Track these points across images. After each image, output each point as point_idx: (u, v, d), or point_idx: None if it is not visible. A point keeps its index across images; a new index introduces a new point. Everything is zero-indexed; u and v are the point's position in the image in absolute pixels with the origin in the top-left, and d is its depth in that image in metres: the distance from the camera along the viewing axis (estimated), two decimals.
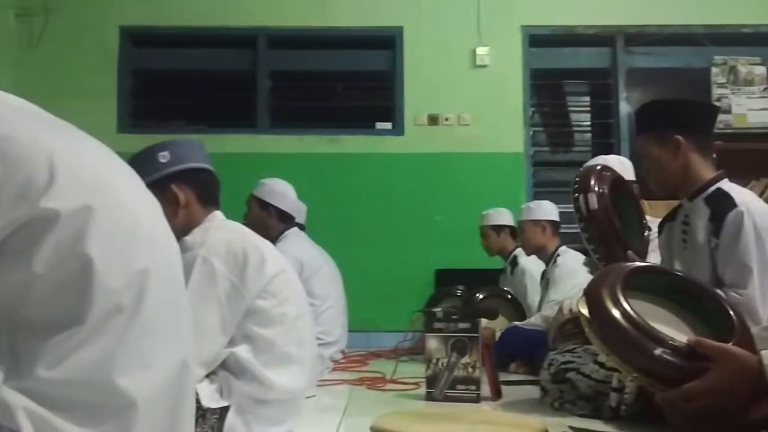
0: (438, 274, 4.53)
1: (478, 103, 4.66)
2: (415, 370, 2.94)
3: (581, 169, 2.25)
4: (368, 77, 4.86)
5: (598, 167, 2.20)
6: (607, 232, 2.01)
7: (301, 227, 3.45)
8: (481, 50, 4.67)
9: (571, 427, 1.65)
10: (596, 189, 2.05)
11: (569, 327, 2.28)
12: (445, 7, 4.74)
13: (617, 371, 1.75)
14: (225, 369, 1.62)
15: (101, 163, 0.94)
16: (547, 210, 3.48)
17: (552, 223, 3.45)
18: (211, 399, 1.57)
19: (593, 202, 2.01)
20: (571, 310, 2.33)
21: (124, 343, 0.85)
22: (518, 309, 3.56)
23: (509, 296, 3.65)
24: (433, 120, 4.67)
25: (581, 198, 2.04)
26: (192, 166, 1.76)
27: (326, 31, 4.74)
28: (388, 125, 4.76)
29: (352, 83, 4.87)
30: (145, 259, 0.91)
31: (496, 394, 2.30)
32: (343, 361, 3.41)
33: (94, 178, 0.88)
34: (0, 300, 0.80)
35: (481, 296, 3.52)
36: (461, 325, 2.27)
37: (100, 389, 0.83)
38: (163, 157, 1.70)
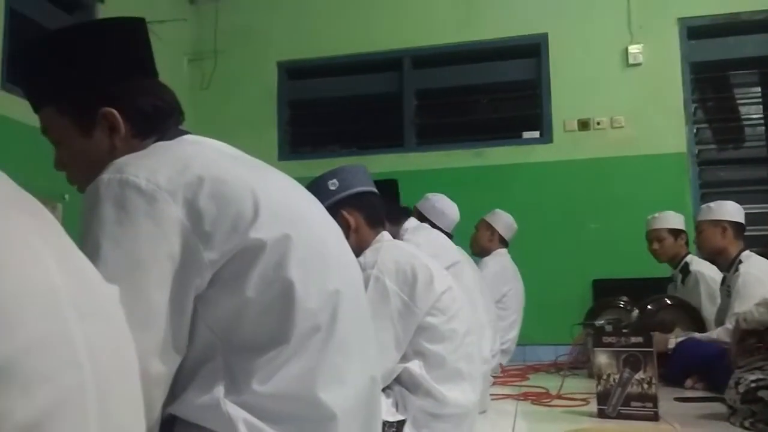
0: (596, 284, 4.35)
1: (633, 104, 4.44)
2: (580, 385, 2.85)
3: None
4: (513, 87, 4.81)
5: None
6: None
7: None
8: (633, 48, 4.46)
9: None
10: None
11: (752, 341, 2.09)
12: (591, 8, 4.58)
13: None
14: (399, 384, 1.69)
15: (293, 195, 1.04)
16: (730, 210, 3.18)
17: (734, 224, 3.14)
18: (388, 413, 1.63)
19: None
20: (746, 319, 2.13)
21: (323, 359, 0.93)
22: (696, 319, 3.30)
23: (685, 305, 3.38)
24: (584, 125, 4.52)
25: None
26: (358, 190, 1.84)
27: (469, 46, 4.77)
28: (536, 134, 4.68)
29: (496, 95, 4.85)
30: (336, 281, 0.98)
31: None
32: (501, 375, 3.38)
33: (289, 210, 0.98)
34: (217, 324, 0.90)
35: (652, 307, 3.31)
36: (633, 340, 2.17)
37: (305, 402, 0.91)
38: (333, 184, 1.79)
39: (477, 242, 3.99)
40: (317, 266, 0.96)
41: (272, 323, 0.91)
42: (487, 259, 3.85)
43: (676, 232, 3.63)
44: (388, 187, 2.71)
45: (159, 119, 1.04)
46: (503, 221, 3.95)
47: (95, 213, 0.87)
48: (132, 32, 1.08)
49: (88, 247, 0.86)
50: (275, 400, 0.89)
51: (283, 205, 0.97)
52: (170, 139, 1.02)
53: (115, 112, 1.01)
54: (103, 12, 4.13)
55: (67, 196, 3.43)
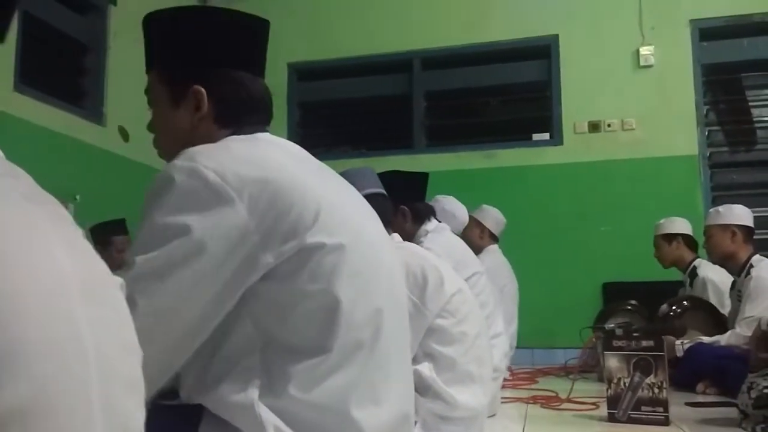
0: (606, 287, 4.33)
1: (644, 106, 4.42)
2: (590, 389, 2.84)
3: None
4: (523, 89, 4.80)
5: None
6: None
7: None
8: (645, 50, 4.44)
9: None
10: None
11: None
12: (603, 10, 4.57)
13: None
14: None
15: (352, 205, 1.04)
16: (739, 214, 3.15)
17: (744, 228, 3.11)
18: None
19: None
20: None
21: (363, 376, 0.92)
22: (717, 321, 3.25)
23: (706, 305, 3.35)
24: (595, 127, 4.50)
25: None
26: (367, 192, 1.84)
27: (479, 47, 4.77)
28: (546, 136, 4.66)
29: (506, 96, 4.84)
30: (383, 299, 0.98)
31: None
32: (510, 378, 3.37)
33: (348, 220, 0.98)
34: (261, 318, 0.91)
35: (669, 310, 3.29)
36: (644, 343, 2.15)
37: (338, 417, 0.90)
38: None
39: (468, 240, 3.85)
40: (367, 280, 0.96)
41: (315, 330, 0.90)
42: (480, 256, 3.77)
43: (669, 238, 3.63)
44: (420, 179, 2.68)
45: (240, 112, 1.06)
46: (492, 216, 3.87)
47: (160, 197, 0.89)
48: (251, 29, 1.12)
49: (144, 228, 0.89)
50: (309, 409, 0.88)
51: (343, 214, 0.97)
52: (247, 133, 1.04)
53: (203, 91, 1.05)
54: (115, 14, 4.16)
55: (78, 197, 3.46)
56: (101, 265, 0.55)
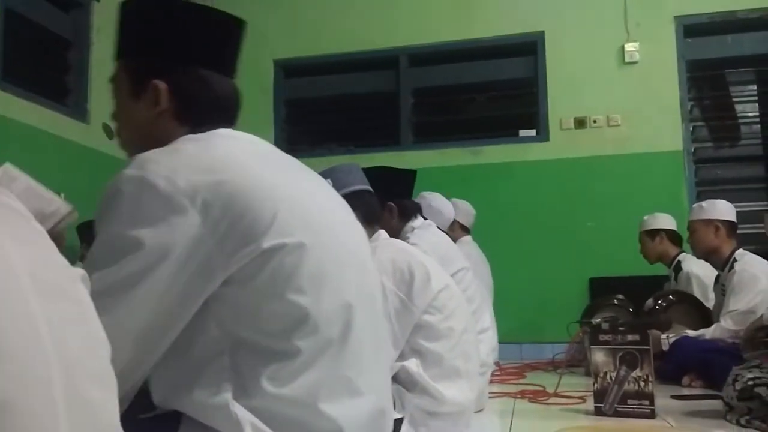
0: (593, 282, 4.36)
1: (629, 102, 4.45)
2: (576, 383, 2.86)
3: None
4: (509, 85, 4.82)
5: None
6: None
7: None
8: (630, 46, 4.46)
9: None
10: None
11: (761, 335, 2.10)
12: (588, 6, 4.59)
13: None
14: (397, 382, 1.68)
15: (317, 198, 1.02)
16: (722, 209, 3.19)
17: (727, 223, 3.15)
18: None
19: None
20: None
21: (334, 372, 0.92)
22: (704, 314, 3.29)
23: (692, 299, 3.39)
24: (581, 123, 4.52)
25: None
26: (354, 189, 1.84)
27: (466, 44, 4.77)
28: (532, 132, 4.68)
29: (493, 93, 4.85)
30: (353, 294, 0.97)
31: None
32: (498, 373, 3.38)
33: (311, 215, 0.96)
34: (226, 321, 0.90)
35: (654, 304, 3.32)
36: (630, 338, 2.17)
37: (312, 412, 0.90)
38: (327, 184, 1.78)
39: None
40: (333, 276, 0.95)
41: (282, 331, 0.90)
42: None
43: (653, 234, 3.68)
44: (408, 177, 2.69)
45: (203, 111, 1.04)
46: (461, 209, 3.85)
47: (110, 209, 0.88)
48: (226, 28, 1.10)
49: (97, 243, 0.87)
50: (284, 405, 0.88)
51: (305, 212, 0.95)
52: (205, 131, 1.01)
53: (162, 87, 1.03)
54: (99, 11, 4.12)
55: (63, 195, 3.42)
56: (57, 258, 0.53)
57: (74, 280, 0.54)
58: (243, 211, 0.88)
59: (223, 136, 1.01)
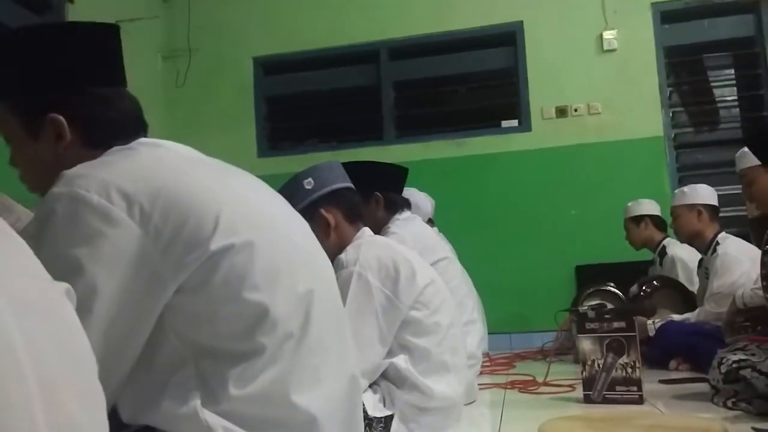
0: (579, 270, 4.38)
1: (609, 90, 4.47)
2: (566, 371, 2.88)
3: None
4: (490, 76, 4.82)
5: None
6: None
7: None
8: (608, 34, 4.48)
9: (754, 428, 1.53)
10: None
11: (740, 320, 2.12)
12: None
13: None
14: (386, 379, 1.68)
15: (255, 196, 1.02)
16: (703, 194, 3.22)
17: (709, 207, 3.17)
18: (375, 408, 1.63)
19: None
20: (745, 303, 2.16)
21: (297, 364, 0.92)
22: (687, 298, 3.32)
23: (677, 284, 3.41)
24: (562, 112, 4.54)
25: None
26: (335, 187, 1.83)
27: (445, 36, 4.76)
28: (515, 122, 4.69)
29: (474, 84, 4.85)
30: (308, 280, 0.97)
31: None
32: (488, 364, 3.40)
33: (253, 213, 0.96)
34: (185, 331, 0.89)
35: (647, 288, 3.34)
36: (616, 325, 2.19)
37: (281, 407, 0.90)
38: (308, 183, 1.76)
39: None
40: (285, 269, 0.94)
41: (242, 333, 0.89)
42: None
43: (637, 220, 3.72)
44: (400, 174, 2.69)
45: (110, 130, 1.00)
46: (420, 201, 3.78)
47: (46, 230, 0.84)
48: (99, 39, 1.05)
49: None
50: (252, 405, 0.88)
51: (246, 209, 0.95)
52: (126, 143, 0.98)
53: (61, 119, 0.98)
54: (72, 12, 4.06)
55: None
56: (38, 273, 0.52)
57: (57, 295, 0.53)
58: (185, 215, 0.86)
59: (148, 145, 0.99)
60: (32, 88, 0.99)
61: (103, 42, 1.05)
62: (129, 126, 1.02)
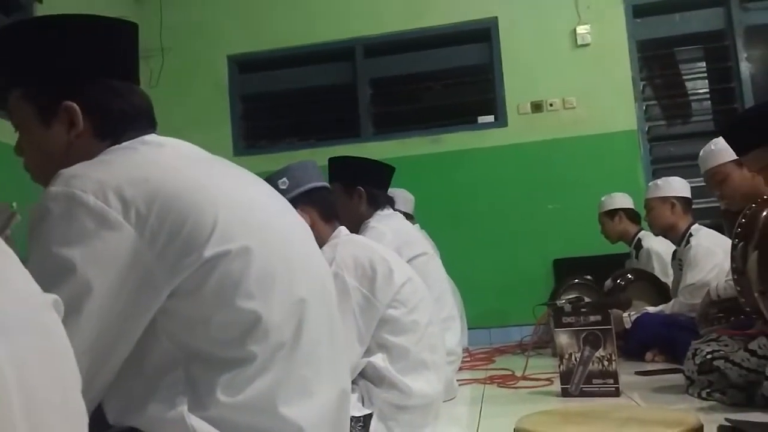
0: (557, 264, 4.42)
1: (583, 84, 4.50)
2: (545, 365, 2.90)
3: (748, 210, 1.82)
4: (466, 72, 4.83)
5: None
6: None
7: None
8: (581, 29, 4.51)
9: (728, 420, 1.55)
10: None
11: (713, 311, 2.15)
12: None
13: None
14: (364, 378, 1.68)
15: (256, 198, 1.01)
16: (676, 186, 3.24)
17: (682, 200, 3.20)
18: (354, 407, 1.62)
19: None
20: (719, 295, 2.19)
21: (288, 374, 0.91)
22: (661, 290, 3.37)
23: (650, 277, 3.46)
24: (537, 107, 4.57)
25: (741, 247, 1.72)
26: (310, 186, 1.83)
27: (420, 33, 4.76)
28: (490, 118, 4.71)
29: (450, 81, 4.86)
30: (302, 289, 0.96)
31: None
32: (468, 359, 3.41)
33: (251, 217, 0.94)
34: (177, 335, 0.88)
35: (621, 281, 3.38)
36: (592, 318, 2.21)
37: (270, 417, 0.89)
38: (283, 183, 1.77)
39: None
40: (280, 276, 0.93)
41: (235, 339, 0.88)
42: None
43: (611, 214, 3.76)
44: (386, 171, 2.68)
45: (122, 122, 1.00)
46: (400, 197, 3.75)
47: (42, 228, 0.84)
48: (118, 34, 1.06)
49: (31, 263, 0.82)
50: (240, 413, 0.87)
51: (246, 215, 0.93)
52: (128, 140, 0.98)
53: (76, 107, 0.99)
54: (41, 12, 3.98)
55: (15, 204, 3.31)
56: (24, 286, 0.51)
57: (43, 309, 0.52)
58: (181, 219, 0.85)
59: (149, 143, 0.98)
60: (49, 75, 1.00)
61: (121, 37, 1.06)
62: (140, 120, 1.03)
